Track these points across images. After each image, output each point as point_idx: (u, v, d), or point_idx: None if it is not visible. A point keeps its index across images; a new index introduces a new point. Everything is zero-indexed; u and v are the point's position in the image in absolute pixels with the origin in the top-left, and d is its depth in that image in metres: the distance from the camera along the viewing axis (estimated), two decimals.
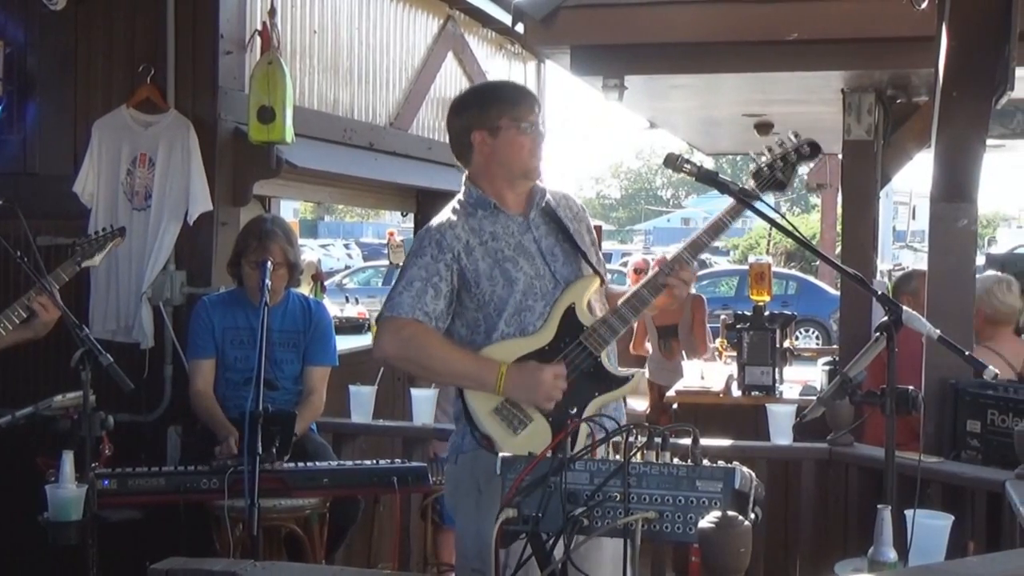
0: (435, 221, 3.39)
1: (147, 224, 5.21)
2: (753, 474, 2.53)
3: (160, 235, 5.18)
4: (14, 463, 4.77)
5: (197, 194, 5.16)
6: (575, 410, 3.26)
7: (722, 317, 10.08)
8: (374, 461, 4.49)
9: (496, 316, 3.29)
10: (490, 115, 3.35)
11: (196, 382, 4.85)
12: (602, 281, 3.45)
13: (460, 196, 3.43)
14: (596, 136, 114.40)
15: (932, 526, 3.20)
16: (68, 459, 3.57)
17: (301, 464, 4.41)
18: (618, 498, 2.53)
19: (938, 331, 2.96)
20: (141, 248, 5.18)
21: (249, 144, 5.26)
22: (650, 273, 3.41)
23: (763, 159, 3.32)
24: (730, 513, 2.35)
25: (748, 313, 6.76)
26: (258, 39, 5.42)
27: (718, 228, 3.37)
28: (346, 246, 34.22)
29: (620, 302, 3.37)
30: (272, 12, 5.31)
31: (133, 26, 5.38)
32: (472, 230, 3.33)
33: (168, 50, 5.27)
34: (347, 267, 29.22)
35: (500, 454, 2.73)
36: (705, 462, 2.52)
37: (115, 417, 3.86)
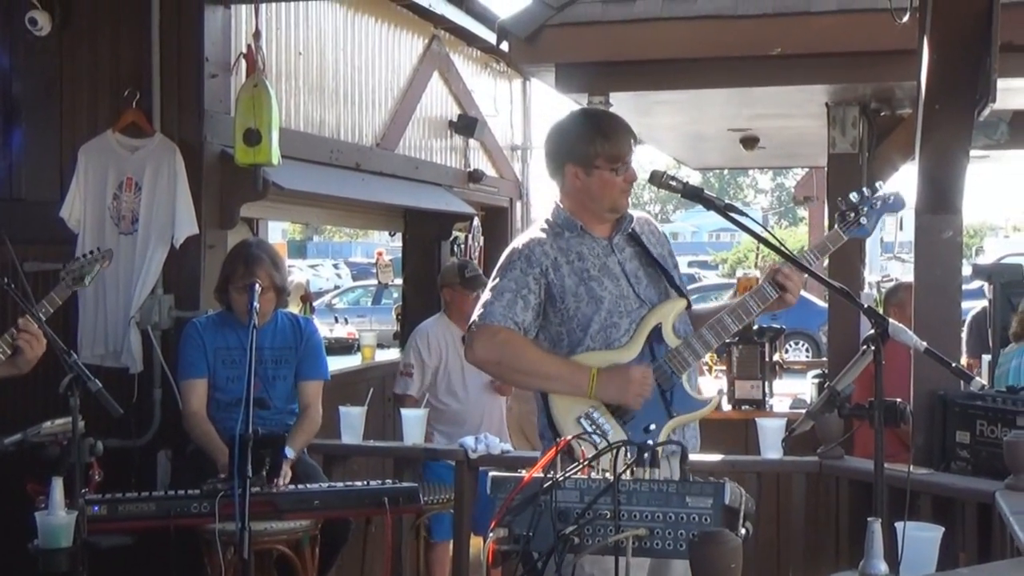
0: (524, 238, 3.54)
1: (134, 248, 5.20)
2: (743, 489, 2.54)
3: (147, 259, 5.17)
4: (3, 490, 4.74)
5: (184, 217, 5.16)
6: (652, 427, 3.39)
7: None
8: (365, 482, 4.48)
9: (580, 332, 3.42)
10: (586, 152, 3.47)
11: (190, 403, 4.84)
12: (688, 304, 3.55)
13: (548, 216, 3.57)
14: None
15: (923, 538, 3.20)
16: (58, 486, 3.54)
17: (292, 486, 4.39)
18: (609, 516, 2.54)
19: (924, 343, 2.99)
20: (128, 272, 5.17)
21: (235, 167, 5.26)
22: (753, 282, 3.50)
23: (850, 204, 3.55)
24: (720, 529, 2.35)
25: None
26: (243, 62, 5.43)
27: (823, 250, 3.60)
28: (335, 266, 34.19)
29: (704, 326, 3.49)
30: (257, 35, 5.31)
31: (118, 50, 5.38)
32: (559, 249, 3.47)
33: (153, 74, 5.27)
34: (336, 287, 29.20)
35: (490, 473, 2.74)
36: (695, 478, 2.53)
37: (104, 442, 3.84)
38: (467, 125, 8.18)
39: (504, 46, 6.21)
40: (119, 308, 5.20)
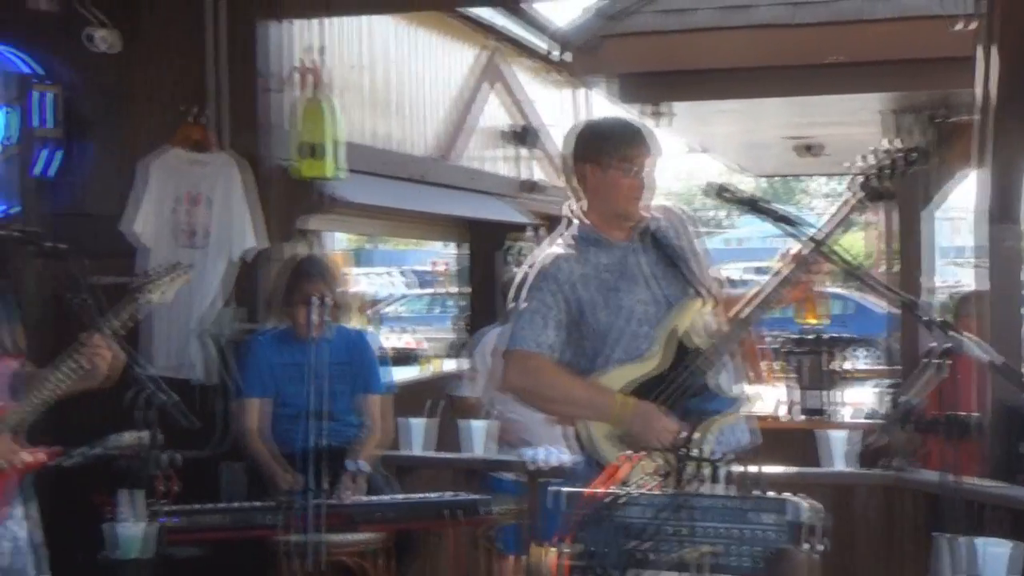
0: (546, 256, 3.48)
1: (199, 261, 5.24)
2: (819, 505, 2.50)
3: (211, 272, 5.23)
4: (74, 502, 4.82)
5: (246, 231, 5.21)
6: (694, 436, 3.28)
7: (769, 340, 10.00)
8: (435, 494, 4.50)
9: (607, 344, 3.38)
10: (601, 151, 3.44)
11: (247, 420, 4.89)
12: (709, 300, 3.46)
13: (571, 230, 3.52)
14: None
15: (995, 553, 3.16)
16: (130, 497, 3.59)
17: (363, 498, 4.42)
18: (675, 532, 2.53)
19: (1001, 358, 2.92)
20: (193, 286, 5.20)
21: (295, 180, 5.30)
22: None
23: (864, 166, 3.27)
24: (787, 546, 2.34)
25: (803, 336, 6.72)
26: (300, 76, 5.47)
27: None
28: (392, 273, 34.27)
29: (729, 322, 3.41)
30: (318, 49, 5.36)
31: (179, 66, 5.45)
32: (582, 262, 3.42)
33: (213, 89, 5.33)
34: (395, 295, 29.25)
35: (557, 488, 2.73)
36: (768, 493, 2.51)
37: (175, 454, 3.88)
38: (524, 135, 8.21)
39: (563, 57, 6.23)
40: (185, 321, 5.26)
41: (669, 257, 3.47)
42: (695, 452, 2.62)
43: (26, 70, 5.47)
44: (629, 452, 2.78)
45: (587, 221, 3.49)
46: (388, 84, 6.58)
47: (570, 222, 3.54)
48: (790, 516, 2.45)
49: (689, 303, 3.41)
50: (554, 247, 3.50)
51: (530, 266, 3.50)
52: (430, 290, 25.83)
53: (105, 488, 4.19)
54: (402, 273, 31.89)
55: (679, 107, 6.47)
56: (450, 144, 7.26)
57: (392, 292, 28.52)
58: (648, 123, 6.55)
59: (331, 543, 4.21)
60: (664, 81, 6.21)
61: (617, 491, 2.58)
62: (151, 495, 3.67)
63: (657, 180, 3.52)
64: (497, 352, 4.28)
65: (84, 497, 4.51)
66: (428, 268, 31.47)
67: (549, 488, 2.75)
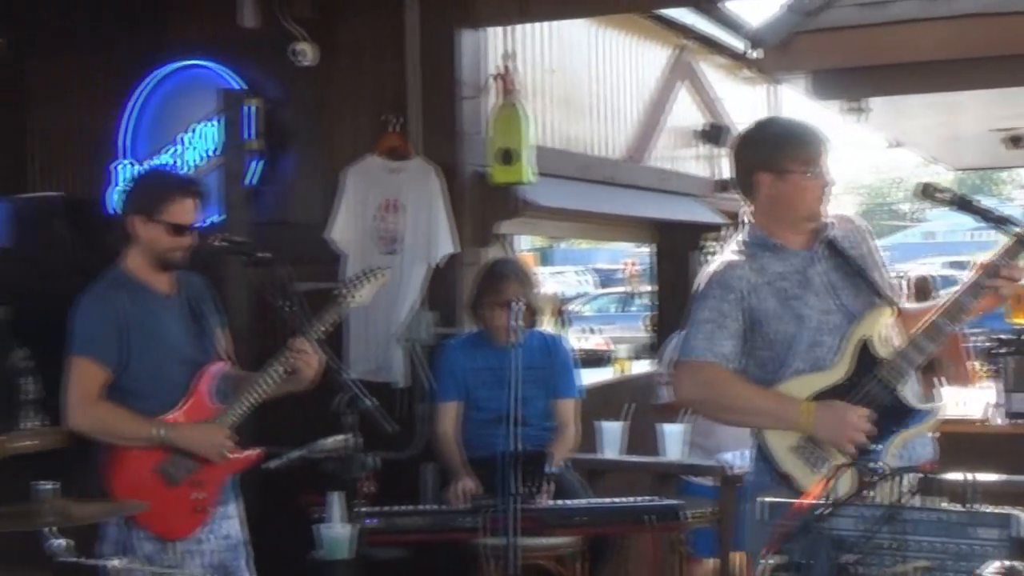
0: (718, 262, 3.40)
1: (397, 267, 5.36)
2: None
3: (409, 277, 5.34)
4: (281, 503, 4.98)
5: (443, 237, 5.30)
6: (878, 447, 3.19)
7: (975, 340, 9.64)
8: (634, 499, 4.49)
9: (787, 353, 3.28)
10: (778, 157, 3.32)
11: (439, 423, 4.98)
12: (895, 309, 3.35)
13: (743, 236, 3.42)
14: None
15: None
16: (336, 499, 3.69)
17: (558, 502, 4.44)
18: (888, 546, 2.45)
19: None
20: (392, 291, 5.33)
21: (490, 186, 5.37)
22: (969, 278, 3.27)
23: None
24: (1012, 563, 2.24)
25: (1011, 337, 6.44)
26: (495, 82, 5.53)
27: None
28: (578, 273, 34.35)
29: (917, 330, 3.26)
30: (509, 56, 5.41)
31: (378, 76, 5.58)
32: (756, 270, 3.32)
33: (411, 98, 5.43)
34: (582, 294, 29.30)
35: (761, 499, 2.69)
36: (986, 507, 2.41)
37: (373, 456, 3.97)
38: (715, 134, 8.12)
39: (756, 54, 6.13)
40: (383, 325, 5.38)
41: (847, 266, 3.36)
42: (881, 465, 2.55)
43: (233, 85, 5.69)
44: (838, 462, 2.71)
45: (760, 227, 3.39)
46: (580, 87, 6.60)
47: (745, 227, 3.44)
48: (1014, 532, 2.35)
49: (877, 312, 3.30)
50: (727, 254, 3.40)
51: (705, 273, 3.41)
52: (618, 289, 25.79)
53: (310, 490, 4.32)
54: (585, 272, 31.90)
55: (875, 102, 6.29)
56: (641, 145, 7.23)
57: (578, 291, 28.59)
58: (844, 119, 6.41)
59: (527, 547, 4.24)
60: (860, 76, 6.04)
61: (827, 502, 2.52)
62: (353, 497, 3.76)
63: (836, 174, 3.41)
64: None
65: (289, 499, 4.66)
66: (613, 267, 31.43)
67: (757, 499, 2.70)
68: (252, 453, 4.25)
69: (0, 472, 4.50)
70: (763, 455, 3.28)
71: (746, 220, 3.43)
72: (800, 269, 3.33)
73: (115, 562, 3.33)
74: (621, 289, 25.63)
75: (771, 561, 2.53)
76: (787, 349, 3.27)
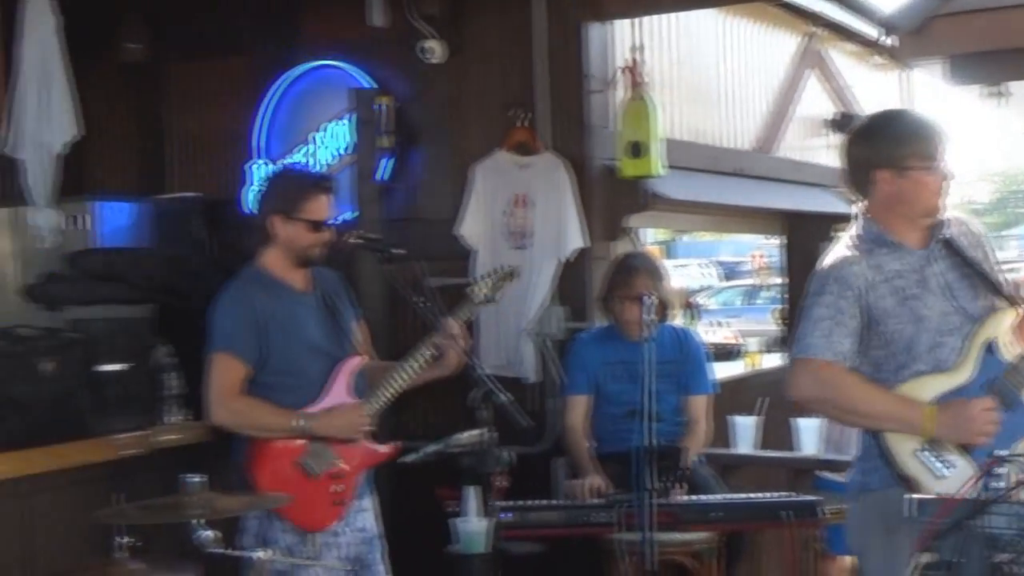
0: (833, 258, 3.31)
1: (526, 262, 5.37)
2: None
3: (539, 272, 5.34)
4: (417, 497, 5.03)
5: (572, 231, 5.30)
6: (1005, 452, 3.10)
7: None
8: (764, 494, 4.44)
9: (905, 354, 3.20)
10: (898, 153, 3.24)
11: (569, 417, 4.97)
12: (1020, 312, 3.25)
13: (857, 231, 3.33)
14: (959, 139, 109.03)
15: None
16: (472, 494, 3.72)
17: (693, 497, 4.41)
18: None
19: None
20: (522, 285, 5.33)
21: (619, 179, 5.35)
22: None
23: None
24: None
25: None
26: (623, 75, 5.51)
27: None
28: (703, 265, 34.03)
29: None
30: (639, 48, 5.38)
31: (505, 72, 5.60)
32: (873, 267, 3.23)
33: (539, 93, 5.44)
34: (705, 287, 29.03)
35: (910, 496, 2.64)
36: None
37: (508, 451, 3.99)
38: (846, 122, 7.96)
39: (890, 40, 6.00)
40: (514, 320, 5.40)
41: (965, 267, 3.26)
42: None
43: (363, 84, 5.77)
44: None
45: (876, 223, 3.29)
46: (708, 78, 6.54)
47: (859, 222, 3.34)
48: None
49: (1002, 314, 3.21)
50: (842, 249, 3.30)
51: (821, 268, 3.32)
52: (744, 282, 25.52)
53: (444, 484, 4.37)
54: (709, 265, 31.63)
55: (1016, 86, 6.11)
56: (770, 135, 7.14)
57: (704, 284, 28.35)
58: (984, 104, 6.24)
59: (662, 542, 4.22)
60: (1000, 59, 5.86)
61: (981, 498, 2.46)
62: (487, 491, 3.78)
63: (967, 161, 3.31)
64: None
65: (424, 493, 4.71)
66: (737, 260, 31.08)
67: (905, 496, 2.65)
68: (389, 447, 4.31)
69: (145, 466, 4.63)
70: (880, 456, 3.19)
71: (860, 215, 3.34)
72: (917, 268, 3.25)
73: (260, 553, 3.41)
74: (746, 282, 25.35)
75: (922, 559, 2.48)
76: (905, 350, 3.19)
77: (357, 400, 4.12)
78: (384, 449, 4.26)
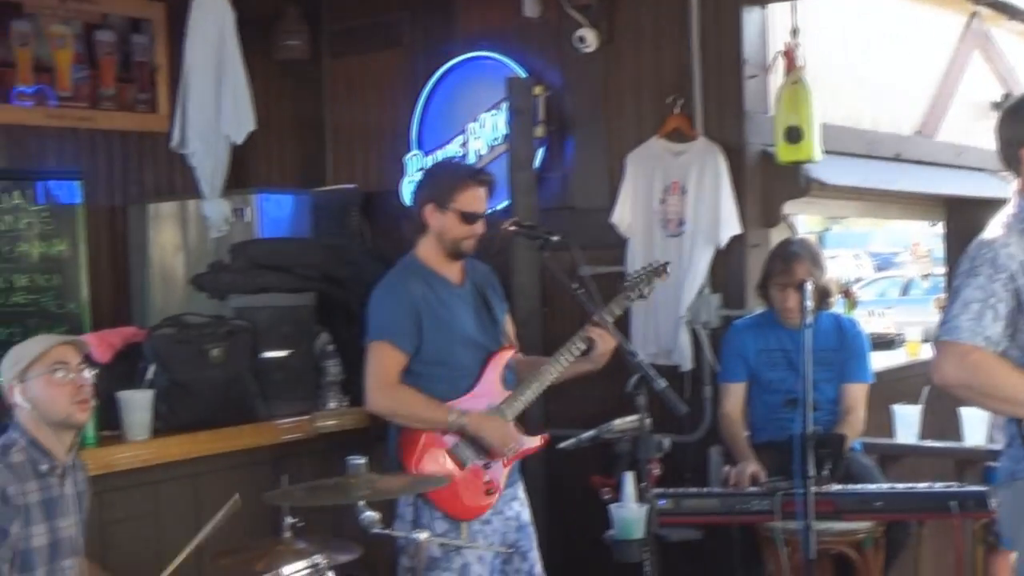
0: (986, 238, 3.20)
1: (681, 250, 5.35)
2: None
3: (694, 260, 5.30)
4: (571, 484, 5.05)
5: (728, 218, 5.24)
6: None
7: None
8: (929, 484, 4.33)
9: None
10: None
11: (724, 404, 4.93)
12: None
13: (1010, 210, 3.22)
14: None
15: None
16: (629, 480, 3.72)
17: (854, 486, 4.33)
18: None
19: None
20: (677, 273, 5.30)
21: (776, 165, 5.27)
22: None
23: None
24: None
25: None
26: (780, 60, 5.43)
27: None
28: (855, 256, 33.29)
29: None
30: (797, 31, 5.30)
31: (659, 59, 5.56)
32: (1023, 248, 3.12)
33: (694, 79, 5.39)
34: (858, 278, 28.41)
35: None
36: None
37: (662, 438, 3.98)
38: None
39: None
40: (669, 308, 5.37)
41: None
42: None
43: (518, 74, 5.81)
44: None
45: None
46: (867, 60, 6.38)
47: (1013, 201, 3.21)
48: None
49: None
50: (995, 229, 3.18)
51: (972, 249, 3.20)
52: (901, 272, 24.93)
53: (598, 471, 4.38)
54: (861, 256, 30.96)
55: None
56: (932, 119, 6.94)
57: (858, 275, 27.75)
58: None
59: (822, 531, 4.15)
60: None
61: None
62: (643, 478, 3.78)
63: None
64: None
65: (578, 479, 4.73)
66: (890, 250, 30.33)
67: None
68: (539, 439, 4.35)
69: (305, 450, 4.76)
70: None
71: (1014, 195, 3.22)
72: None
73: (424, 535, 3.47)
74: (901, 272, 24.74)
75: None
76: None
77: (508, 392, 4.16)
78: (534, 441, 4.30)
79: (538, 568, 4.30)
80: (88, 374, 3.53)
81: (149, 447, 4.27)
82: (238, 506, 3.60)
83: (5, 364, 3.50)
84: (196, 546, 3.51)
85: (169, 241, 6.18)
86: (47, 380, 3.42)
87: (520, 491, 4.33)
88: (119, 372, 4.42)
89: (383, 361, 4.09)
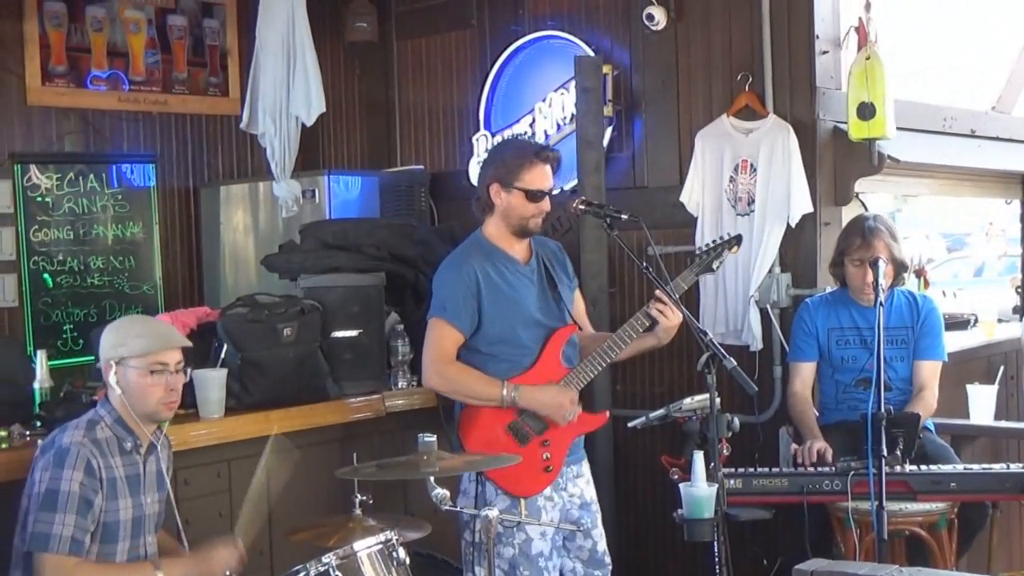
0: None
1: (751, 228, 5.29)
2: None
3: (764, 239, 5.25)
4: (641, 462, 5.05)
5: (798, 196, 5.18)
6: None
7: None
8: (1005, 464, 4.27)
9: None
10: None
11: (794, 383, 4.90)
12: None
13: None
14: None
15: None
16: (700, 459, 3.71)
17: (925, 467, 4.28)
18: None
19: None
20: (747, 252, 5.26)
21: (848, 142, 5.21)
22: None
23: None
24: None
25: None
26: (853, 35, 5.35)
27: None
28: (926, 237, 32.82)
29: None
30: (868, 5, 5.22)
31: (730, 36, 5.50)
32: None
33: (765, 56, 5.33)
34: (929, 259, 27.96)
35: None
36: None
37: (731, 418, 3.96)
38: None
39: None
40: (738, 287, 5.33)
41: None
42: None
43: (589, 53, 5.78)
44: None
45: None
46: (941, 35, 6.27)
47: None
48: None
49: None
50: None
51: None
52: (968, 253, 24.52)
53: (673, 449, 4.37)
54: (932, 237, 30.48)
55: None
56: (1009, 94, 6.81)
57: (930, 255, 27.38)
58: None
59: (894, 512, 4.12)
60: None
61: None
62: (712, 458, 3.77)
63: None
64: None
65: (648, 459, 4.73)
66: (962, 232, 29.85)
67: None
68: (599, 415, 4.34)
69: (373, 429, 4.80)
70: None
71: None
72: None
73: (494, 512, 3.49)
74: (971, 254, 24.33)
75: None
76: None
77: (568, 368, 4.16)
78: (595, 417, 4.29)
79: (601, 545, 4.30)
80: (183, 376, 3.58)
81: (222, 425, 4.32)
82: (285, 445, 3.65)
83: (105, 340, 3.55)
84: (259, 504, 3.58)
85: (240, 222, 6.25)
86: (143, 375, 3.47)
87: (584, 469, 4.34)
88: (193, 352, 4.48)
89: (440, 338, 4.12)
